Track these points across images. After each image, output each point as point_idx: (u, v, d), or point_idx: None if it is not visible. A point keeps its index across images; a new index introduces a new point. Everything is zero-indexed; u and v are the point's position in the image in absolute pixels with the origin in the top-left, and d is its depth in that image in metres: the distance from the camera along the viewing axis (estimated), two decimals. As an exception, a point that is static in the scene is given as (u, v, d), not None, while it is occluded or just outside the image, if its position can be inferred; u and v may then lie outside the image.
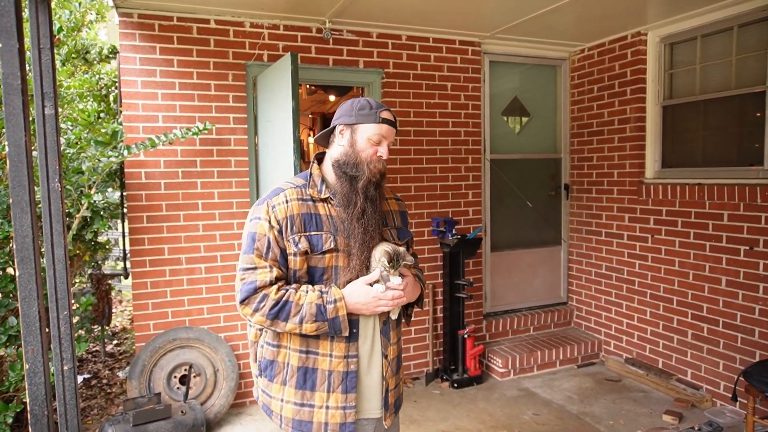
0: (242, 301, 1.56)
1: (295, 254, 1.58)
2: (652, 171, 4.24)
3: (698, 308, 3.80)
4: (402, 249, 1.65)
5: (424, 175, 4.30)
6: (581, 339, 4.60)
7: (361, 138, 1.63)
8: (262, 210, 1.61)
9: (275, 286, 1.55)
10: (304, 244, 1.58)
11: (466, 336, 4.13)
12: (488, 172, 4.64)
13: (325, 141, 1.77)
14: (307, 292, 1.56)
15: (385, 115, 1.65)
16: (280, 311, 1.53)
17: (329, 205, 1.65)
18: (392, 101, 4.14)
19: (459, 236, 4.10)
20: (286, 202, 1.61)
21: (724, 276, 3.62)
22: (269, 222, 1.58)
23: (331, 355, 1.62)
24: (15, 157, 0.86)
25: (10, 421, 2.73)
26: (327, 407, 1.61)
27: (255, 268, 1.56)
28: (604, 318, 4.61)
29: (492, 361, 4.32)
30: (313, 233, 1.60)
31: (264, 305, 1.53)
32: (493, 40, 4.44)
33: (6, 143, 0.85)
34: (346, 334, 1.58)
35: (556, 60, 4.85)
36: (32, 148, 1.02)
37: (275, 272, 1.56)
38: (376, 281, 1.60)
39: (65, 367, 1.08)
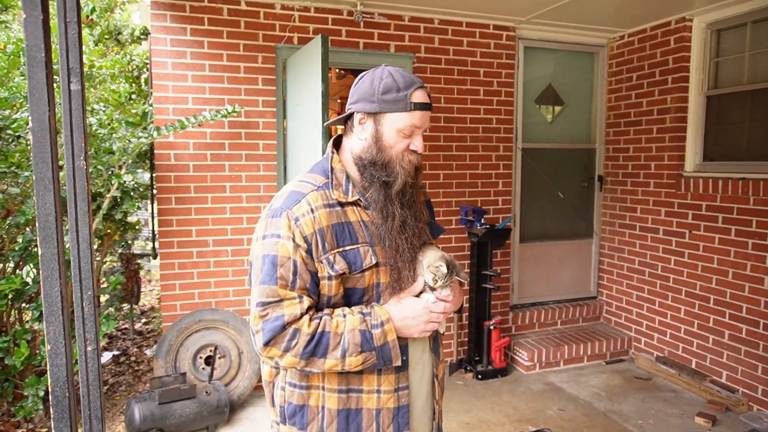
0: (267, 343, 1.21)
1: (330, 278, 1.26)
2: (693, 164, 4.07)
3: (737, 308, 3.65)
4: (455, 261, 1.40)
5: (453, 163, 4.22)
6: (610, 335, 4.49)
7: (388, 131, 1.30)
8: (281, 224, 1.25)
9: (307, 317, 1.22)
10: (341, 265, 1.25)
11: (491, 327, 4.07)
12: (519, 161, 4.52)
13: (342, 124, 1.44)
14: (344, 316, 1.24)
15: (419, 97, 1.30)
16: (316, 347, 1.21)
17: (359, 209, 1.33)
18: (423, 87, 4.05)
19: (488, 226, 4.02)
20: (312, 211, 1.26)
21: (766, 275, 3.46)
22: (293, 240, 1.23)
23: (378, 391, 1.31)
24: (38, 133, 0.83)
25: (41, 394, 2.80)
26: None
27: (281, 301, 1.22)
28: (635, 314, 4.47)
29: (517, 353, 4.24)
30: (348, 248, 1.28)
31: (296, 343, 1.20)
32: (529, 26, 4.30)
33: (30, 118, 0.82)
34: (398, 363, 1.27)
35: (594, 47, 4.67)
36: (57, 124, 0.99)
37: (306, 302, 1.23)
38: (422, 291, 1.33)
39: (89, 348, 1.06)
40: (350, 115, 1.37)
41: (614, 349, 4.42)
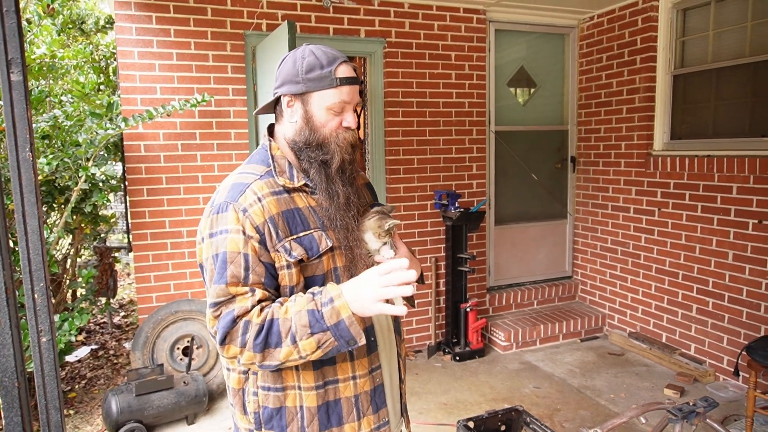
0: (222, 341, 1.15)
1: (288, 266, 1.21)
2: (661, 142, 4.14)
3: (704, 282, 3.75)
4: (388, 206, 1.40)
5: (427, 147, 4.23)
6: (585, 313, 4.58)
7: (318, 110, 1.27)
8: (228, 218, 1.19)
9: (257, 308, 1.16)
10: (299, 251, 1.21)
11: (468, 309, 4.12)
12: (493, 144, 4.56)
13: (270, 110, 1.39)
14: (295, 300, 1.17)
15: (343, 71, 1.27)
16: (268, 336, 1.13)
17: (305, 195, 1.30)
18: (394, 71, 4.05)
19: (462, 209, 4.06)
20: (259, 200, 1.21)
21: (731, 250, 3.55)
22: (243, 232, 1.18)
23: (354, 378, 1.29)
24: (-27, 124, 0.83)
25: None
26: None
27: (233, 298, 1.17)
28: (609, 292, 4.57)
29: (494, 334, 4.32)
30: (302, 234, 1.24)
31: (248, 336, 1.14)
32: (499, 8, 4.31)
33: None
34: (363, 341, 1.16)
35: (565, 28, 4.70)
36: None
37: (258, 294, 1.18)
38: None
39: (43, 339, 1.06)
40: (278, 100, 1.33)
41: (589, 327, 4.52)
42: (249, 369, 1.25)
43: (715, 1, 3.75)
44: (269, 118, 3.30)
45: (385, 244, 1.35)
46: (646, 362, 4.01)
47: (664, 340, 4.07)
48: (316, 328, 1.12)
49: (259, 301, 1.18)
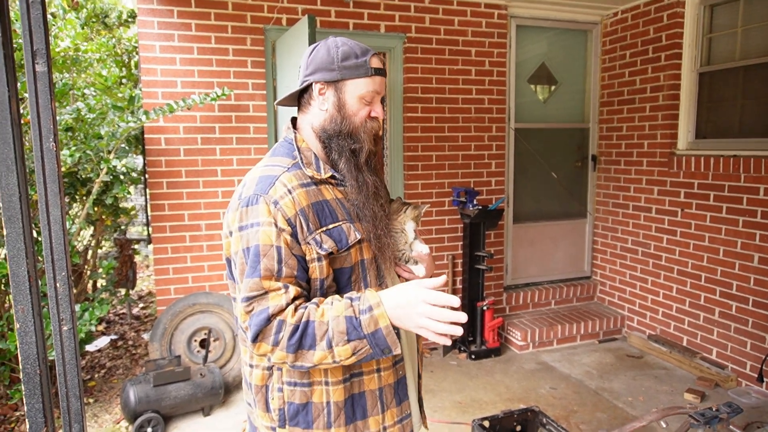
0: (255, 338, 1.14)
1: (319, 258, 1.20)
2: (685, 142, 4.05)
3: (727, 285, 3.67)
4: (417, 204, 1.45)
5: (445, 144, 4.20)
6: (604, 314, 4.52)
7: (351, 98, 1.27)
8: (259, 211, 1.18)
9: (292, 307, 1.14)
10: (329, 243, 1.21)
11: (485, 308, 4.09)
12: (512, 141, 4.51)
13: (293, 101, 1.38)
14: (332, 303, 1.16)
15: (376, 62, 1.29)
16: (302, 337, 1.13)
17: (332, 187, 1.30)
18: (414, 67, 4.03)
19: (480, 207, 4.02)
20: (290, 192, 1.20)
21: (756, 253, 3.47)
22: (275, 225, 1.16)
23: (378, 371, 1.29)
24: (-1, 114, 0.84)
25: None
26: (384, 428, 1.31)
27: (266, 293, 1.15)
28: (629, 293, 4.50)
29: (511, 333, 4.28)
30: (331, 226, 1.23)
31: (282, 335, 1.12)
32: (521, 3, 4.25)
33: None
34: (398, 351, 1.14)
35: (588, 24, 4.63)
36: (23, 106, 0.99)
37: (292, 291, 1.16)
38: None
39: (64, 328, 1.07)
40: (305, 89, 1.32)
41: (607, 328, 4.45)
42: (274, 365, 1.25)
43: (745, -4, 3.65)
44: (289, 112, 3.30)
45: (416, 237, 1.41)
46: (666, 365, 3.94)
47: (684, 344, 4.00)
48: (354, 335, 1.12)
49: (294, 299, 1.16)
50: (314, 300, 1.19)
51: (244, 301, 1.16)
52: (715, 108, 3.93)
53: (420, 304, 1.11)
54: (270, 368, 1.26)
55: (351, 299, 1.16)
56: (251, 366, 1.29)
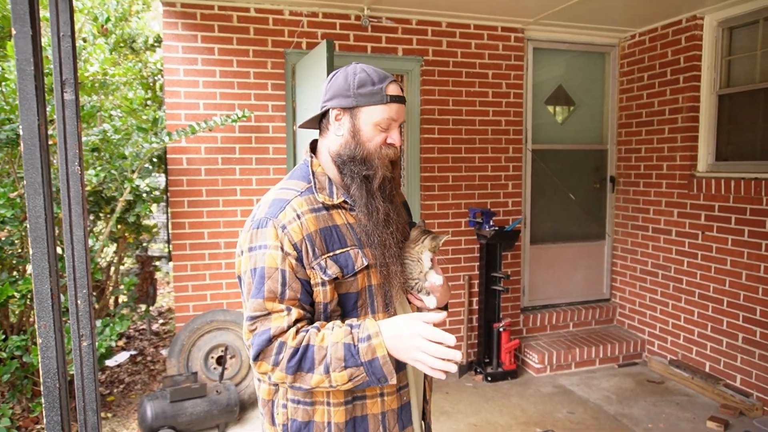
0: (256, 357, 1.19)
1: (323, 283, 1.23)
2: (705, 164, 4.01)
3: (751, 311, 3.58)
4: (422, 222, 1.45)
5: (462, 165, 4.23)
6: (623, 338, 4.44)
7: (366, 125, 1.29)
8: (267, 234, 1.22)
9: (293, 330, 1.18)
10: (334, 269, 1.23)
11: (501, 329, 4.06)
12: (529, 162, 4.51)
13: (315, 124, 1.41)
14: (332, 329, 1.19)
15: (393, 90, 1.29)
16: (301, 360, 1.16)
17: (344, 212, 1.32)
18: (431, 89, 4.09)
19: (496, 228, 4.02)
20: (298, 217, 1.23)
21: (780, 277, 3.39)
22: (281, 249, 1.20)
23: (382, 395, 1.29)
24: (29, 141, 0.89)
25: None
26: None
27: (269, 314, 1.19)
28: (649, 317, 4.42)
29: (528, 356, 4.23)
30: (338, 252, 1.25)
31: (282, 357, 1.16)
32: (537, 26, 4.29)
33: (21, 127, 0.88)
34: (393, 381, 1.17)
35: (605, 46, 4.64)
36: (50, 132, 1.04)
37: (294, 314, 1.20)
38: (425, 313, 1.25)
39: (84, 344, 1.11)
40: (324, 114, 1.35)
41: (627, 352, 4.37)
42: (283, 385, 1.27)
43: (764, 19, 3.63)
44: (309, 134, 3.37)
45: (432, 267, 1.40)
46: (688, 392, 3.85)
47: (707, 370, 3.90)
48: (351, 362, 1.15)
49: (295, 321, 1.19)
50: (316, 324, 1.21)
51: (248, 320, 1.20)
52: (736, 130, 3.89)
53: (417, 337, 1.14)
54: (276, 384, 1.28)
55: (351, 326, 1.19)
56: (259, 380, 1.32)
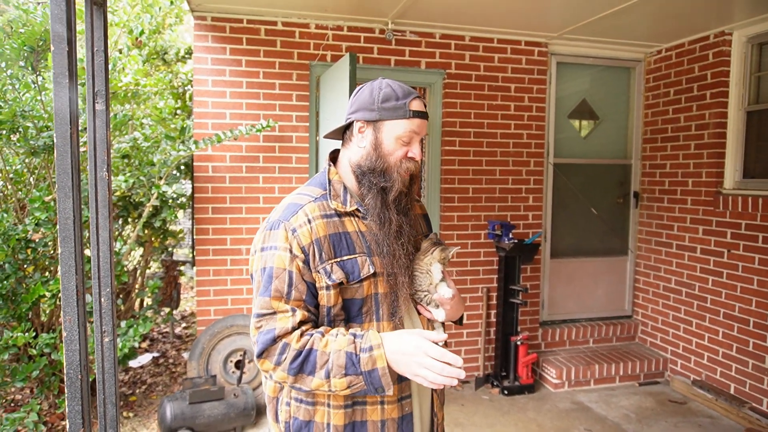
0: (260, 355, 1.24)
1: (328, 287, 1.27)
2: (732, 181, 3.94)
3: (777, 332, 3.49)
4: (435, 234, 1.48)
5: (483, 177, 4.24)
6: (645, 355, 4.36)
7: (387, 138, 1.33)
8: (278, 236, 1.27)
9: (298, 332, 1.22)
10: (338, 274, 1.27)
11: (519, 343, 4.04)
12: (551, 176, 4.50)
13: (338, 135, 1.46)
14: (336, 336, 1.23)
15: (416, 105, 1.33)
16: (303, 363, 1.20)
17: (357, 219, 1.35)
18: (453, 102, 4.12)
19: (515, 241, 4.01)
20: (309, 222, 1.28)
21: (808, 298, 3.30)
22: (290, 251, 1.25)
23: (382, 403, 1.31)
24: (61, 148, 0.96)
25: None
26: None
27: (274, 313, 1.24)
28: (672, 335, 4.33)
29: (546, 370, 4.19)
30: (345, 258, 1.29)
31: (285, 358, 1.21)
32: (561, 41, 4.30)
33: (54, 135, 0.95)
34: (390, 392, 1.21)
35: (630, 61, 4.61)
36: (81, 140, 1.11)
37: (299, 315, 1.24)
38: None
39: (105, 339, 1.17)
40: (348, 126, 1.40)
41: (648, 371, 4.29)
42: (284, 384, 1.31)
43: (794, 35, 3.58)
44: (331, 144, 3.44)
45: (443, 279, 1.41)
46: (711, 414, 3.75)
47: (732, 392, 3.80)
48: (351, 371, 1.19)
49: (300, 323, 1.24)
50: (320, 329, 1.26)
51: (255, 317, 1.26)
52: (765, 147, 3.82)
53: (422, 355, 1.18)
54: (278, 382, 1.32)
55: (355, 336, 1.23)
56: (265, 377, 1.36)
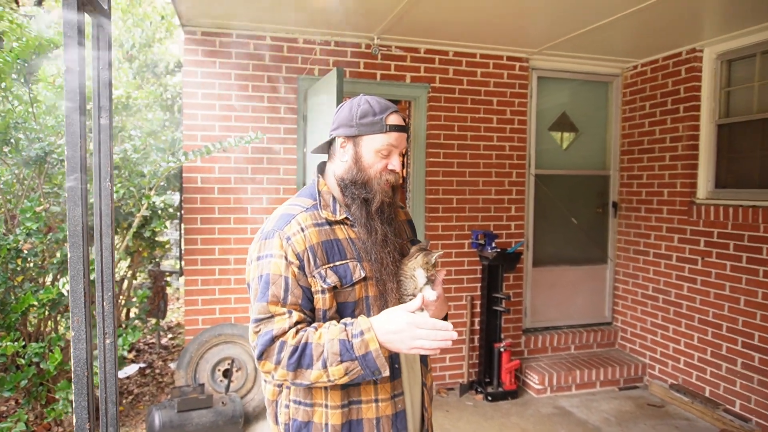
0: (260, 356, 1.30)
1: (323, 291, 1.34)
2: (705, 191, 4.10)
3: (749, 336, 3.63)
4: (424, 242, 1.54)
5: (466, 188, 4.36)
6: (624, 361, 4.48)
7: (366, 152, 1.41)
8: (273, 245, 1.34)
9: (293, 330, 1.29)
10: (332, 278, 1.35)
11: (502, 349, 4.13)
12: (533, 186, 4.63)
13: (324, 150, 1.55)
14: (329, 327, 1.30)
15: (393, 120, 1.42)
16: (301, 357, 1.26)
17: (346, 227, 1.44)
18: (437, 115, 4.24)
19: (498, 250, 4.12)
20: (302, 230, 1.36)
21: (777, 303, 3.45)
22: (285, 258, 1.32)
23: (377, 401, 1.39)
24: (72, 159, 1.03)
25: (71, 398, 3.02)
26: None
27: (272, 317, 1.30)
28: (650, 341, 4.46)
29: (528, 376, 4.28)
30: (338, 263, 1.37)
31: (283, 355, 1.27)
32: (542, 56, 4.45)
33: (66, 147, 1.02)
34: (387, 373, 1.27)
35: (608, 76, 4.79)
36: (88, 152, 1.19)
37: (295, 316, 1.31)
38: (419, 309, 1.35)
39: (107, 341, 1.23)
40: (332, 141, 1.49)
41: (628, 376, 4.40)
42: (283, 383, 1.38)
43: (761, 53, 3.76)
44: (318, 156, 3.53)
45: (427, 283, 1.47)
46: (688, 416, 3.87)
47: (707, 394, 3.93)
48: (346, 356, 1.25)
49: (296, 323, 1.30)
50: (314, 324, 1.33)
51: (254, 323, 1.32)
52: (735, 159, 3.99)
53: (412, 329, 1.25)
54: (280, 385, 1.40)
55: (345, 324, 1.30)
56: (265, 381, 1.44)
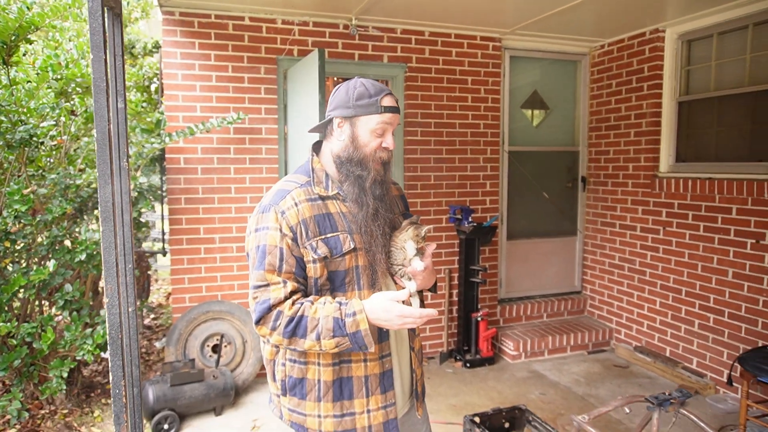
0: (257, 322, 1.43)
1: (314, 261, 1.46)
2: (666, 165, 4.35)
3: (705, 299, 3.93)
4: (415, 216, 1.64)
5: (443, 165, 4.51)
6: (593, 327, 4.76)
7: (362, 132, 1.52)
8: (269, 218, 1.47)
9: (290, 301, 1.42)
10: (323, 249, 1.46)
11: (479, 319, 4.35)
12: (506, 163, 4.81)
13: (322, 129, 1.65)
14: (324, 304, 1.43)
15: (388, 101, 1.52)
16: (296, 328, 1.40)
17: (338, 202, 1.55)
18: (414, 94, 4.36)
19: (475, 224, 4.31)
20: (296, 205, 1.48)
21: (730, 268, 3.74)
22: (280, 230, 1.45)
23: (365, 360, 1.52)
24: (101, 141, 1.12)
25: (65, 375, 3.09)
26: (368, 411, 1.53)
27: (267, 285, 1.43)
28: (616, 307, 4.75)
29: (504, 344, 4.52)
30: (329, 235, 1.48)
31: (279, 323, 1.40)
32: (514, 36, 4.59)
33: (95, 130, 1.11)
34: (372, 349, 1.43)
35: (577, 55, 4.97)
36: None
37: (290, 286, 1.43)
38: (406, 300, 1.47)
39: (129, 309, 1.35)
40: (329, 121, 1.58)
41: (596, 340, 4.69)
42: (279, 346, 1.51)
43: (717, 33, 3.98)
44: (300, 136, 3.62)
45: (416, 254, 1.58)
46: (650, 375, 4.18)
47: (667, 354, 4.24)
48: (338, 333, 1.39)
49: (291, 293, 1.43)
50: (310, 298, 1.45)
51: (252, 289, 1.45)
52: (694, 134, 4.24)
53: (396, 313, 1.41)
54: (277, 346, 1.52)
55: (340, 304, 1.43)
56: (264, 342, 1.56)
